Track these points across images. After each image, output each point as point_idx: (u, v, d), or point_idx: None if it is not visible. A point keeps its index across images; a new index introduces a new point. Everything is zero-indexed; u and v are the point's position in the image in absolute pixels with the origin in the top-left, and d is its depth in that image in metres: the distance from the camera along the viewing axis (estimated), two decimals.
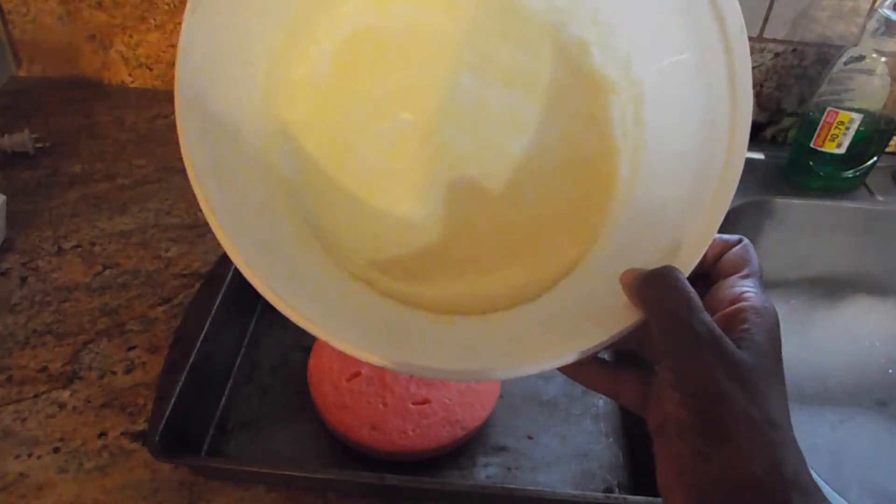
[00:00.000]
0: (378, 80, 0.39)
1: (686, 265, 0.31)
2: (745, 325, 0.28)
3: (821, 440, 0.63)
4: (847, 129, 0.68)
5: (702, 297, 0.28)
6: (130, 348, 0.54)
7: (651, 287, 0.29)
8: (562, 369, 0.32)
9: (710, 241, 0.32)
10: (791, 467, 0.26)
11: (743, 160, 0.32)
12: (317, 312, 0.30)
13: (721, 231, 0.33)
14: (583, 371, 0.33)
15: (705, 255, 0.32)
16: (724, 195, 0.32)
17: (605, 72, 0.38)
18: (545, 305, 0.36)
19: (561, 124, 0.39)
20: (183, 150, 0.30)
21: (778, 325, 0.29)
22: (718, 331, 0.27)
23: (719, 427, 0.26)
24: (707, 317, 0.27)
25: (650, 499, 0.43)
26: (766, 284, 0.32)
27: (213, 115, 0.32)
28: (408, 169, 0.39)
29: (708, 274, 0.33)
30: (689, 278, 0.29)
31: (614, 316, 0.31)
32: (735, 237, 0.33)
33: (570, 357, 0.31)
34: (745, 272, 0.31)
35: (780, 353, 0.28)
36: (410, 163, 0.39)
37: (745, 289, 0.30)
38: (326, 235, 0.37)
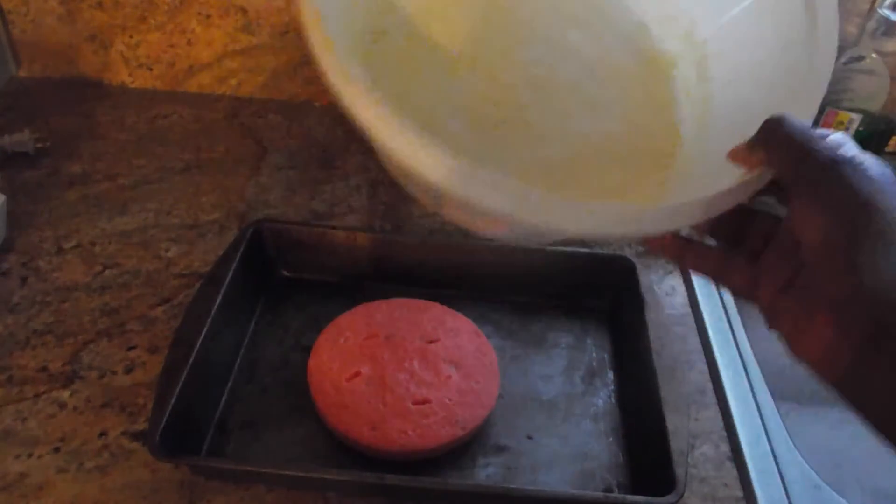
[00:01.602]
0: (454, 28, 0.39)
1: None
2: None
3: (821, 440, 0.63)
4: (846, 129, 0.68)
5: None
6: (130, 348, 0.54)
7: (769, 135, 0.29)
8: (670, 250, 0.31)
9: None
10: None
11: (832, 61, 0.31)
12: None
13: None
14: (691, 252, 0.33)
15: None
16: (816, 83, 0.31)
17: (665, 46, 0.38)
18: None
19: (622, 106, 0.38)
20: None
21: None
22: (850, 152, 0.27)
23: (870, 231, 0.26)
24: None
25: (650, 499, 0.43)
26: None
27: None
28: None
29: None
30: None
31: (734, 188, 0.30)
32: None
33: (697, 214, 0.29)
34: None
35: None
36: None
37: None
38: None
